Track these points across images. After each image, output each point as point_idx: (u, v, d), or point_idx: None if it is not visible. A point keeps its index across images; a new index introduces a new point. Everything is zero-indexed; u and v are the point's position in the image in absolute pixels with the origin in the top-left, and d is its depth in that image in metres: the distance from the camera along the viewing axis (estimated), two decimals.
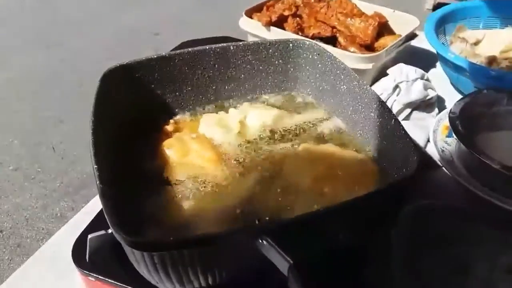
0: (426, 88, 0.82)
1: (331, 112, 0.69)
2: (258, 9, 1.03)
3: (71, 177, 1.86)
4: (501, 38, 0.94)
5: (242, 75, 0.72)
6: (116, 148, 0.58)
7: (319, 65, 0.69)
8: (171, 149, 0.62)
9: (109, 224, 0.42)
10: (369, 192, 0.46)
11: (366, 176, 0.57)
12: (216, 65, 0.70)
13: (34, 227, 1.67)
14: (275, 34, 0.95)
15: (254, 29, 0.99)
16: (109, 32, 2.87)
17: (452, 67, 0.86)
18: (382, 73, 0.88)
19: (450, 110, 0.69)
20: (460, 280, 0.53)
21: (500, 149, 0.67)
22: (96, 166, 0.48)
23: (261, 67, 0.72)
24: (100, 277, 0.52)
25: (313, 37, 0.96)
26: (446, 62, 0.87)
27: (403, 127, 0.52)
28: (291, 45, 0.71)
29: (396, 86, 0.82)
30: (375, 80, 0.88)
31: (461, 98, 0.72)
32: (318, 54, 0.69)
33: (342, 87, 0.65)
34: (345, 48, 0.93)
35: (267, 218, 0.52)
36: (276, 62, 0.72)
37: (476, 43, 0.95)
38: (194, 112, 0.71)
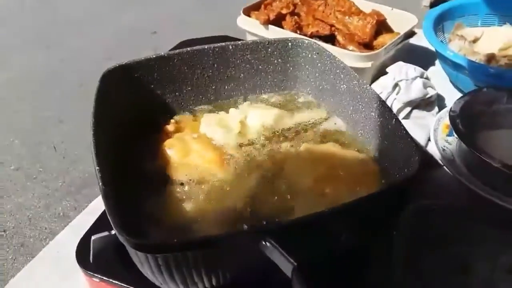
0: (425, 86, 0.82)
1: (331, 112, 0.70)
2: (256, 7, 1.03)
3: (73, 177, 1.87)
4: (500, 35, 0.94)
5: (242, 75, 0.72)
6: (116, 149, 0.58)
7: (319, 64, 0.70)
8: (172, 149, 0.62)
9: (113, 226, 0.42)
10: (372, 193, 0.46)
11: (367, 176, 0.57)
12: (215, 65, 0.70)
13: (37, 226, 1.68)
14: (273, 32, 0.95)
15: (252, 27, 0.99)
16: (109, 31, 2.87)
17: (451, 65, 0.86)
18: (381, 72, 0.88)
19: (450, 108, 0.69)
20: (461, 280, 0.53)
21: (501, 147, 0.67)
22: (98, 168, 0.48)
23: (260, 67, 0.72)
24: (104, 278, 0.52)
25: (311, 36, 0.96)
26: (445, 60, 0.87)
27: (404, 127, 0.53)
28: (290, 44, 0.72)
29: (396, 85, 0.82)
30: (374, 78, 0.88)
31: (461, 97, 0.73)
32: (317, 53, 0.69)
33: (342, 86, 0.66)
34: (343, 47, 0.93)
35: (270, 220, 0.53)
36: (275, 61, 0.72)
37: (475, 41, 0.95)
38: (194, 112, 0.71)
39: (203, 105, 0.72)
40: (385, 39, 0.94)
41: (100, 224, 0.57)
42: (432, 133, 0.74)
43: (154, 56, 0.66)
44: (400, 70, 0.83)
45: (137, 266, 0.48)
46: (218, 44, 0.69)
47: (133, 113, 0.65)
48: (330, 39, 0.96)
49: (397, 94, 0.82)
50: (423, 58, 0.98)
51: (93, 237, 0.50)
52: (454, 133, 0.69)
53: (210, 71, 0.70)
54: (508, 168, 0.60)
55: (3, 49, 2.69)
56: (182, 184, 0.59)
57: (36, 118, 2.17)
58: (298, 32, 0.97)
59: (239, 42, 0.70)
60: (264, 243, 0.40)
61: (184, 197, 0.57)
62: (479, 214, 0.60)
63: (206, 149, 0.62)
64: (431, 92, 0.83)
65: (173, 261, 0.42)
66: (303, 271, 0.38)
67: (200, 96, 0.71)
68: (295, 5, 1.02)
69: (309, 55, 0.70)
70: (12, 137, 2.07)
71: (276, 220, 0.52)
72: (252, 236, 0.41)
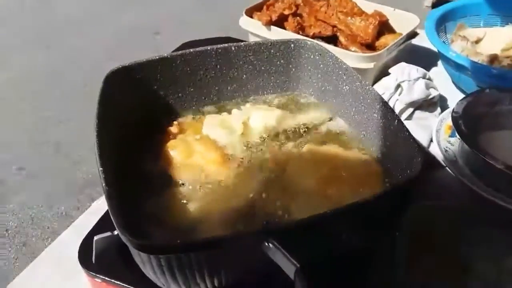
0: (428, 87, 0.82)
1: (334, 113, 0.70)
2: (258, 8, 1.03)
3: (76, 176, 1.87)
4: (502, 36, 0.94)
5: (244, 76, 0.72)
6: (119, 150, 0.59)
7: (321, 65, 0.70)
8: (175, 150, 0.63)
9: (116, 227, 0.43)
10: (375, 194, 0.46)
11: (370, 177, 0.57)
12: (218, 66, 0.70)
13: (40, 226, 1.68)
14: (276, 33, 0.95)
15: (254, 28, 0.99)
16: (109, 32, 2.87)
17: (454, 66, 0.86)
18: (383, 72, 0.88)
19: (453, 109, 0.69)
20: (463, 280, 0.53)
21: (503, 148, 0.67)
22: (101, 169, 0.48)
23: (263, 68, 0.72)
24: (106, 278, 0.52)
25: (313, 36, 0.96)
26: (447, 61, 0.87)
27: (406, 128, 0.53)
28: (292, 45, 0.72)
29: (398, 86, 0.82)
30: (377, 79, 0.88)
31: (464, 98, 0.73)
32: (320, 54, 0.69)
33: (344, 87, 0.66)
34: (346, 47, 0.93)
35: (272, 221, 0.53)
36: (278, 62, 0.72)
37: (477, 41, 0.95)
38: (197, 113, 0.71)
39: (206, 106, 0.72)
40: (387, 40, 0.94)
41: (102, 224, 0.58)
42: (435, 134, 0.74)
43: (157, 58, 0.66)
44: (403, 71, 0.83)
45: (139, 267, 0.48)
46: (221, 45, 0.69)
47: (136, 114, 0.65)
48: (332, 40, 0.96)
49: (399, 95, 0.82)
50: (425, 59, 0.98)
51: (95, 238, 0.50)
52: (456, 134, 0.69)
53: (213, 72, 0.70)
54: (511, 170, 0.60)
55: (3, 49, 2.69)
56: (184, 185, 0.59)
57: (39, 118, 2.18)
58: (300, 33, 0.97)
59: (242, 44, 0.70)
60: (266, 244, 0.40)
61: (186, 198, 0.57)
62: (481, 215, 0.60)
63: (209, 150, 0.62)
64: (433, 93, 0.83)
65: (176, 262, 0.42)
66: (306, 272, 0.38)
67: (203, 97, 0.71)
68: (297, 6, 1.02)
69: (312, 56, 0.70)
70: (15, 137, 2.07)
71: (279, 221, 0.52)
72: (255, 237, 0.41)
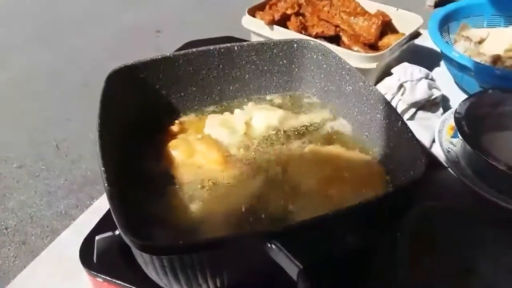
0: (430, 87, 0.82)
1: (336, 113, 0.69)
2: (260, 7, 1.03)
3: (75, 175, 1.87)
4: (505, 36, 0.94)
5: (247, 75, 0.72)
6: (121, 149, 0.58)
7: (324, 66, 0.69)
8: (176, 150, 0.62)
9: (118, 227, 0.42)
10: (379, 195, 0.46)
11: (372, 178, 0.57)
12: (221, 66, 0.70)
13: (39, 224, 1.68)
14: (278, 33, 0.95)
15: (257, 27, 0.98)
16: (110, 31, 2.87)
17: (457, 66, 0.86)
18: (386, 73, 0.88)
19: (456, 110, 0.69)
20: (465, 281, 0.53)
21: (506, 149, 0.67)
22: (103, 169, 0.48)
23: (265, 67, 0.72)
24: (108, 278, 0.52)
25: (316, 36, 0.95)
26: (450, 61, 0.87)
27: (410, 129, 0.52)
28: (295, 45, 0.71)
29: (401, 86, 0.82)
30: (379, 79, 0.88)
31: (466, 98, 0.72)
32: (323, 55, 0.69)
33: (347, 87, 0.65)
34: (348, 47, 0.93)
35: (275, 221, 0.53)
36: (281, 62, 0.72)
37: (480, 42, 0.95)
38: (199, 113, 0.71)
39: (208, 105, 0.71)
40: (390, 40, 0.94)
41: (103, 224, 0.58)
42: (437, 134, 0.74)
43: (159, 57, 0.66)
44: (405, 71, 0.83)
45: (141, 267, 0.48)
46: (224, 45, 0.69)
47: (138, 113, 0.65)
48: (335, 39, 0.96)
49: (402, 95, 0.82)
50: (428, 59, 0.98)
51: (97, 237, 0.50)
52: (459, 135, 0.69)
53: (215, 72, 0.70)
54: None
55: (4, 49, 2.70)
56: (186, 185, 0.58)
57: (39, 117, 2.18)
58: (303, 32, 0.97)
59: (245, 43, 0.70)
60: (269, 245, 0.40)
61: (188, 198, 0.57)
62: (483, 216, 0.60)
63: (210, 150, 0.62)
64: (436, 94, 0.82)
65: (178, 263, 0.42)
66: (309, 273, 0.38)
67: (205, 97, 0.71)
68: (300, 5, 1.02)
69: (315, 56, 0.70)
70: (16, 135, 2.08)
71: (282, 222, 0.52)
72: (258, 238, 0.41)
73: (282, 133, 0.66)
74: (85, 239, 0.56)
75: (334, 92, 0.69)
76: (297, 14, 1.01)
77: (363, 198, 0.47)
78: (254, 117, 0.67)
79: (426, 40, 0.94)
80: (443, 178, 0.70)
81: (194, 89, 0.70)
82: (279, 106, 0.72)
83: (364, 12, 1.00)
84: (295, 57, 0.72)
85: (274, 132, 0.66)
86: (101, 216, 0.59)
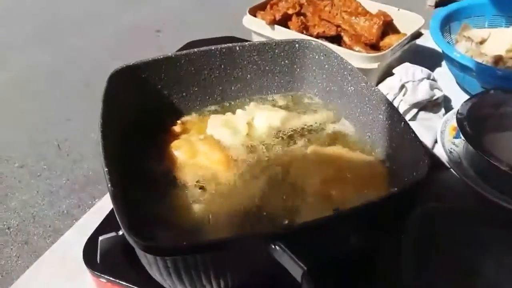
0: (432, 88, 0.82)
1: (338, 114, 0.69)
2: (261, 7, 1.03)
3: (77, 175, 1.87)
4: (507, 37, 0.94)
5: (249, 76, 0.72)
6: (123, 149, 0.58)
7: (326, 66, 0.69)
8: (179, 150, 0.62)
9: (122, 228, 0.42)
10: (383, 196, 0.46)
11: (375, 179, 0.57)
12: (222, 66, 0.70)
13: (41, 224, 1.68)
14: (279, 32, 0.95)
15: (258, 27, 0.98)
16: (110, 31, 2.87)
17: (458, 67, 0.86)
18: (387, 73, 0.88)
19: (458, 111, 0.69)
20: (468, 282, 0.53)
21: (508, 150, 0.67)
22: (107, 169, 0.48)
23: (267, 68, 0.72)
24: (111, 278, 0.52)
25: (317, 36, 0.95)
26: (452, 62, 0.87)
27: (412, 130, 0.52)
28: (297, 45, 0.71)
29: (402, 86, 0.82)
30: (381, 79, 0.88)
31: (468, 99, 0.72)
32: (325, 55, 0.69)
33: (349, 88, 0.65)
34: (350, 47, 0.93)
35: (278, 222, 0.52)
36: (283, 62, 0.72)
37: (482, 42, 0.95)
38: (200, 113, 0.71)
39: (210, 106, 0.72)
40: (391, 40, 0.94)
41: (106, 224, 0.58)
42: (439, 135, 0.74)
43: (161, 57, 0.66)
44: (407, 72, 0.83)
45: (145, 267, 0.48)
46: (225, 45, 0.69)
47: (139, 113, 0.65)
48: (336, 39, 0.96)
49: (403, 95, 0.82)
50: (429, 59, 0.98)
51: (100, 238, 0.50)
52: (461, 136, 0.69)
53: (217, 72, 0.70)
54: None
55: (4, 49, 2.70)
56: (189, 185, 0.59)
57: (40, 117, 2.18)
58: (304, 32, 0.97)
59: (246, 43, 0.70)
60: (273, 246, 0.40)
61: (191, 198, 0.57)
62: (485, 217, 0.60)
63: (213, 151, 0.62)
64: (437, 94, 0.82)
65: (182, 263, 0.42)
66: (313, 275, 0.38)
67: (207, 97, 0.71)
68: (301, 5, 1.02)
69: (317, 57, 0.70)
70: (17, 135, 2.08)
71: (286, 223, 0.52)
72: (262, 240, 0.41)
73: (284, 133, 0.66)
74: (89, 239, 0.56)
75: (336, 92, 0.69)
76: (298, 14, 1.01)
77: (366, 199, 0.47)
78: (256, 118, 0.67)
79: (427, 40, 0.94)
80: (445, 179, 0.70)
81: (196, 89, 0.70)
82: (281, 107, 0.72)
83: (366, 12, 1.00)
84: (297, 57, 0.72)
85: (276, 133, 0.66)
86: (103, 216, 0.59)
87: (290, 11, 1.00)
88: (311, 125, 0.68)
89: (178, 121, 0.68)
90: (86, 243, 0.56)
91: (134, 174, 0.58)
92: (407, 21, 0.98)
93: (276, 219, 0.53)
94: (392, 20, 1.00)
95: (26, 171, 1.91)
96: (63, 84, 2.39)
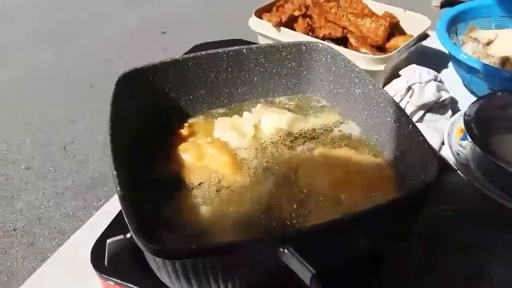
0: (439, 89, 0.81)
1: (346, 116, 0.69)
2: (267, 9, 1.03)
3: (83, 176, 1.88)
4: None
5: (255, 78, 0.72)
6: (131, 152, 0.59)
7: (333, 68, 0.69)
8: (186, 153, 0.63)
9: (131, 231, 0.43)
10: (393, 199, 0.46)
11: (383, 182, 0.57)
12: (230, 68, 0.70)
13: (47, 225, 1.69)
14: (285, 34, 0.95)
15: (264, 29, 0.99)
16: (116, 31, 2.88)
17: (465, 68, 0.85)
18: (393, 75, 0.88)
19: (465, 112, 0.69)
20: (476, 284, 0.53)
21: None
22: (115, 172, 0.48)
23: (274, 70, 0.72)
24: (119, 281, 0.52)
25: (323, 38, 0.95)
26: (458, 63, 0.87)
27: (421, 133, 0.52)
28: (304, 47, 0.71)
29: (409, 88, 0.82)
30: (387, 81, 0.88)
31: (475, 100, 0.72)
32: (332, 57, 0.69)
33: (356, 90, 0.65)
34: (356, 49, 0.93)
35: (286, 226, 0.52)
36: (289, 64, 0.72)
37: (489, 44, 0.94)
38: (208, 116, 0.71)
39: (217, 108, 0.72)
40: (398, 42, 0.94)
41: (114, 226, 0.58)
42: (446, 137, 0.73)
43: (169, 60, 0.66)
44: (414, 73, 0.83)
45: (153, 270, 0.48)
46: (232, 48, 0.69)
47: (147, 116, 0.65)
48: (342, 41, 0.96)
49: (410, 97, 0.81)
50: (436, 61, 0.98)
51: (108, 241, 0.50)
52: (468, 137, 0.69)
53: (224, 74, 0.70)
54: None
55: (11, 49, 2.71)
56: (196, 188, 0.59)
57: (46, 118, 2.19)
58: (310, 34, 0.97)
59: (253, 46, 0.70)
60: (282, 250, 0.40)
61: (199, 201, 0.57)
62: (493, 219, 0.60)
63: (221, 153, 0.62)
64: (444, 96, 0.82)
65: (191, 267, 0.42)
66: (322, 279, 0.38)
67: (214, 100, 0.71)
68: (307, 7, 1.02)
69: (323, 59, 0.70)
70: (23, 137, 2.09)
71: (293, 226, 0.52)
72: (271, 243, 0.41)
73: (292, 136, 0.66)
74: (96, 242, 0.56)
75: (343, 94, 0.69)
76: (304, 16, 1.01)
77: (374, 202, 0.47)
78: (263, 120, 0.67)
79: (434, 42, 0.94)
80: (453, 181, 0.69)
81: (203, 92, 0.70)
82: (288, 109, 0.72)
83: (372, 14, 1.00)
84: (304, 60, 0.72)
85: (283, 135, 0.66)
86: (110, 218, 0.59)
87: (296, 13, 1.00)
88: (318, 128, 0.68)
89: (186, 124, 0.68)
90: (94, 245, 0.56)
91: (141, 177, 0.58)
92: (413, 23, 0.98)
93: (284, 222, 0.53)
94: (398, 21, 1.00)
95: (32, 173, 1.91)
96: (67, 84, 2.40)
